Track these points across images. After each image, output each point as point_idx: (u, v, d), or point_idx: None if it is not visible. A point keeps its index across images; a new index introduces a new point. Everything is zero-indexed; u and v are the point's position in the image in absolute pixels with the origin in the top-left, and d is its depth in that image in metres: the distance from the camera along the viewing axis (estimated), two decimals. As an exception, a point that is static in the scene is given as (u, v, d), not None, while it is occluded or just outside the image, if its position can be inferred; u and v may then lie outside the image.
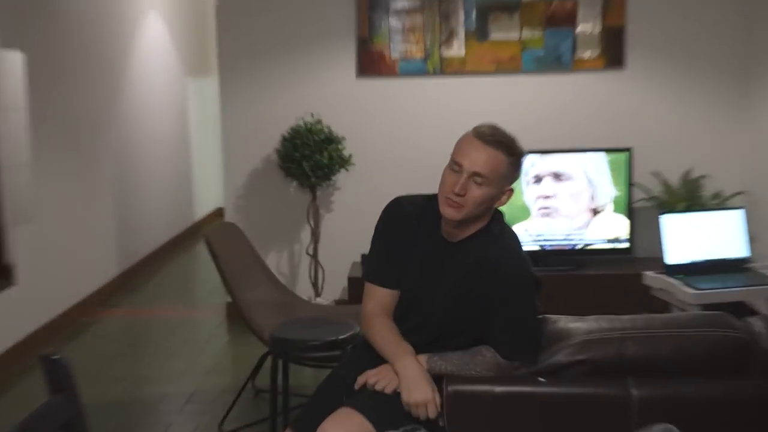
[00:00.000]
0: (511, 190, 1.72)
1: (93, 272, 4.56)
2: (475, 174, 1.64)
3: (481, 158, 1.65)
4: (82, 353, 3.80)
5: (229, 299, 4.12)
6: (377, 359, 1.81)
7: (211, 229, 3.43)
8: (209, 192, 7.07)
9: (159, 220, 5.75)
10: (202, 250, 5.70)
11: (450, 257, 1.79)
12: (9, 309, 3.53)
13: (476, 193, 1.66)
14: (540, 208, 3.48)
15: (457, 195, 1.64)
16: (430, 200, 1.79)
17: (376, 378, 1.74)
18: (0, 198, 3.41)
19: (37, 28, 3.81)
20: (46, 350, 1.44)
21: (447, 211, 1.69)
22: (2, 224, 3.52)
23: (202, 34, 6.81)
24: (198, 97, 6.77)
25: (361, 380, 1.76)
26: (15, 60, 3.51)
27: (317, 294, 4.00)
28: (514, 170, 1.71)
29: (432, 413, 1.64)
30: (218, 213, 7.20)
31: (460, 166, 1.65)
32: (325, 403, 1.79)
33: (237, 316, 3.99)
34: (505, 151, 1.67)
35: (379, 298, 1.88)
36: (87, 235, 4.51)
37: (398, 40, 3.86)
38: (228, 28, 3.95)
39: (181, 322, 4.49)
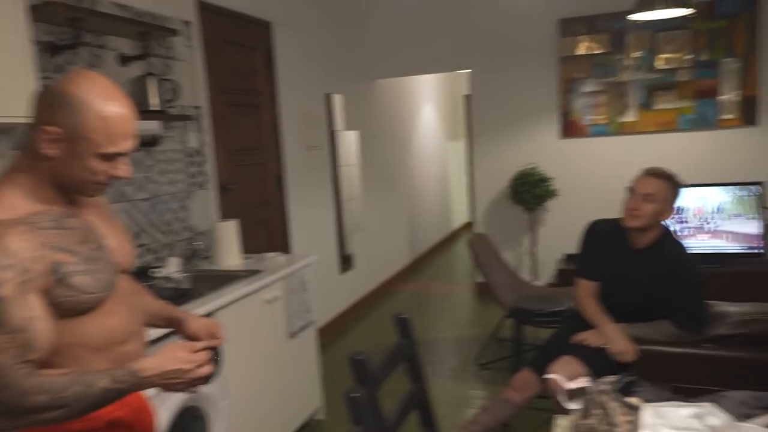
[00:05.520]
0: (672, 209, 1.89)
1: (395, 260, 6.12)
2: (645, 195, 1.90)
3: (649, 184, 1.92)
4: (390, 311, 4.88)
5: (477, 280, 5.31)
6: (586, 325, 2.06)
7: (471, 238, 3.85)
8: (459, 212, 8.91)
9: (431, 228, 7.50)
10: (456, 248, 7.48)
11: (637, 260, 1.97)
12: (350, 282, 4.99)
13: (647, 208, 1.88)
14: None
15: (634, 209, 1.90)
16: (618, 221, 2.04)
17: (587, 337, 2.00)
18: (342, 217, 4.72)
19: (362, 118, 5.34)
20: (397, 311, 1.64)
21: (628, 221, 1.91)
22: (344, 233, 4.78)
23: (454, 114, 8.75)
24: (452, 153, 8.61)
25: (576, 338, 2.01)
26: (353, 136, 5.04)
27: (535, 278, 4.93)
28: (673, 193, 1.92)
29: (630, 358, 1.85)
30: (465, 226, 8.95)
31: (635, 191, 1.92)
32: (551, 353, 2.06)
33: (482, 291, 5.15)
34: (666, 180, 1.90)
35: (587, 287, 2.14)
36: (392, 238, 6.05)
37: (588, 112, 4.78)
38: (477, 108, 5.22)
39: (447, 293, 5.50)
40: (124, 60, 2.75)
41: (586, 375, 1.80)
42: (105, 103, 1.07)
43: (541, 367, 2.07)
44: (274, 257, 3.14)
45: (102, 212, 1.29)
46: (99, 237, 1.19)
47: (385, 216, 5.88)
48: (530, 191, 4.77)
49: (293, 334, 2.99)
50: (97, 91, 1.08)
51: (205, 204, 3.32)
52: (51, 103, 1.08)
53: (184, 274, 2.64)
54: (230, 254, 3.05)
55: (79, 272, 1.10)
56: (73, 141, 1.07)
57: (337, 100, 4.95)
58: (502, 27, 5.10)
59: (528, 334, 3.37)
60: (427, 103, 7.56)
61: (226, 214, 3.49)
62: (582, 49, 4.76)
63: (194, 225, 3.22)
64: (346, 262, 4.93)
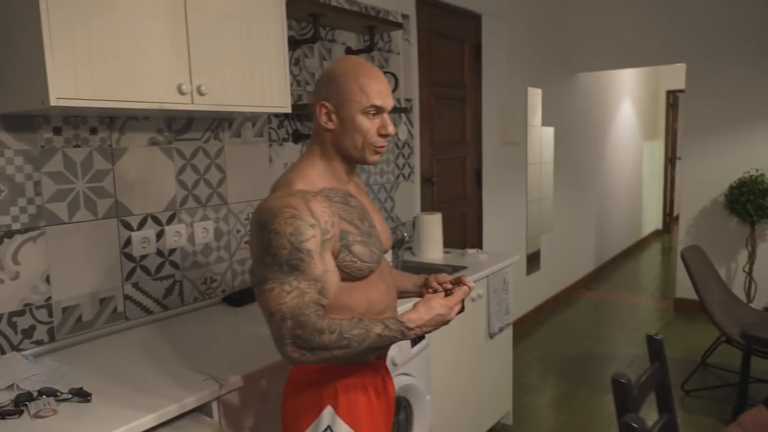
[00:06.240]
0: None
1: (580, 264, 6.04)
2: None
3: None
4: (572, 318, 4.95)
5: (676, 295, 5.05)
6: None
7: (685, 249, 3.75)
8: (650, 218, 8.62)
9: (620, 233, 7.29)
10: (645, 257, 7.17)
11: None
12: (536, 283, 5.01)
13: None
14: None
15: None
16: None
17: None
18: (527, 217, 4.81)
19: (559, 114, 5.36)
20: (650, 331, 1.60)
21: None
22: (532, 233, 4.87)
23: (654, 111, 8.27)
24: (648, 153, 8.37)
25: None
26: (549, 132, 5.12)
27: (749, 300, 4.66)
28: None
29: None
30: (656, 233, 8.60)
31: None
32: None
33: (683, 307, 4.93)
34: None
35: None
36: (579, 240, 5.97)
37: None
38: (690, 106, 4.92)
39: (635, 305, 5.35)
40: (350, 53, 2.84)
41: None
42: (357, 70, 1.29)
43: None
44: (475, 254, 3.11)
45: (368, 200, 1.48)
46: (371, 218, 1.38)
47: (574, 218, 5.82)
48: (754, 201, 4.46)
49: (492, 335, 2.95)
50: (351, 63, 1.31)
51: (410, 195, 3.39)
52: (322, 83, 1.32)
53: (393, 264, 2.69)
54: (433, 247, 3.08)
55: (359, 242, 1.28)
56: (341, 106, 1.29)
57: (536, 95, 4.87)
58: (725, 13, 4.70)
59: (756, 365, 3.29)
60: (626, 98, 7.26)
61: (425, 207, 3.55)
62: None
63: (398, 215, 3.29)
64: (532, 263, 4.88)
